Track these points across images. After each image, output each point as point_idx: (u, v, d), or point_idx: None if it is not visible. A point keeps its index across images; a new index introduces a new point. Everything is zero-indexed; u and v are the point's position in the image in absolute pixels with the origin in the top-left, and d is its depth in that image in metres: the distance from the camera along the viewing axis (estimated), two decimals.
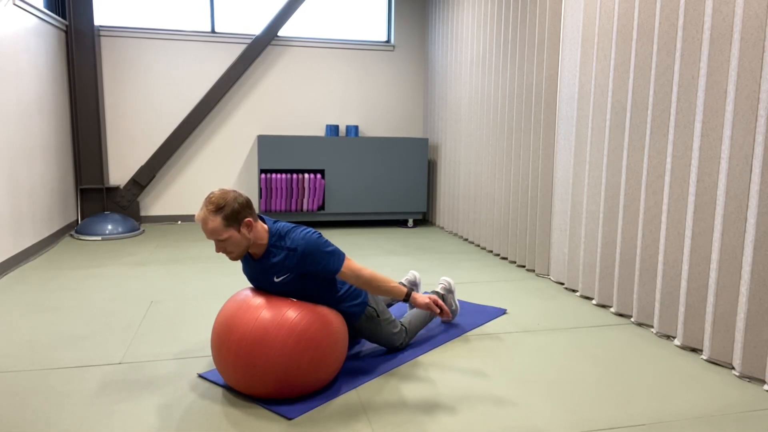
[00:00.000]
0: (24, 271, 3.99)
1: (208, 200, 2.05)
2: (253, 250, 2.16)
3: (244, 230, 2.07)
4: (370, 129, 6.62)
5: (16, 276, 3.86)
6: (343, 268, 2.16)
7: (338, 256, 2.15)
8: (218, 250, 2.09)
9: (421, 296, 2.33)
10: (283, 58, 6.27)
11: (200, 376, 2.31)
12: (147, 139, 6.05)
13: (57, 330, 2.82)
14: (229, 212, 2.03)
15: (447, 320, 3.00)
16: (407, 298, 2.30)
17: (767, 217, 2.27)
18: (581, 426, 1.96)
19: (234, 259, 2.13)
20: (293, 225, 2.21)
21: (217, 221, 2.02)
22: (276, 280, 2.15)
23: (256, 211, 6.39)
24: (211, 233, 2.04)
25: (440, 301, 2.34)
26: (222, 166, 6.27)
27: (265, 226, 2.18)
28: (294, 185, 5.70)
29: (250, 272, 2.23)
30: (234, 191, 2.09)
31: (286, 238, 2.14)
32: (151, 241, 5.15)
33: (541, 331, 2.91)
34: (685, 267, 2.66)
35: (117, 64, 5.88)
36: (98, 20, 5.79)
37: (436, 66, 6.21)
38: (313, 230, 2.18)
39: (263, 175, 5.62)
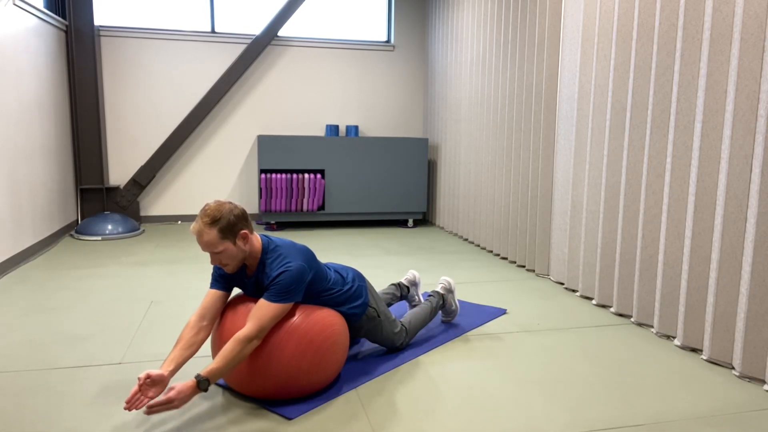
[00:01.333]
0: (24, 271, 3.99)
1: (204, 212, 2.01)
2: (248, 261, 2.14)
3: (239, 242, 2.04)
4: (370, 129, 6.62)
5: (16, 276, 3.86)
6: (262, 310, 1.98)
7: (281, 298, 2.01)
8: (214, 262, 2.06)
9: (179, 388, 1.83)
10: (283, 58, 6.27)
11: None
12: (147, 139, 6.05)
13: (57, 330, 2.82)
14: (225, 224, 1.99)
15: (447, 320, 3.00)
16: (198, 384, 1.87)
17: (767, 217, 2.27)
18: (581, 426, 1.96)
19: (230, 271, 2.09)
20: (287, 248, 2.12)
21: (212, 234, 1.98)
22: None
23: (256, 211, 6.40)
24: (206, 246, 2.00)
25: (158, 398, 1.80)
26: (222, 166, 6.27)
27: (260, 239, 2.15)
28: (294, 185, 5.70)
29: (245, 290, 2.21)
30: (230, 203, 2.06)
31: (271, 263, 2.08)
32: (151, 241, 5.15)
33: (541, 331, 2.91)
34: (685, 267, 2.66)
35: (117, 64, 5.88)
36: (98, 20, 5.79)
37: (436, 66, 6.20)
38: (297, 265, 2.06)
39: (263, 175, 5.62)
